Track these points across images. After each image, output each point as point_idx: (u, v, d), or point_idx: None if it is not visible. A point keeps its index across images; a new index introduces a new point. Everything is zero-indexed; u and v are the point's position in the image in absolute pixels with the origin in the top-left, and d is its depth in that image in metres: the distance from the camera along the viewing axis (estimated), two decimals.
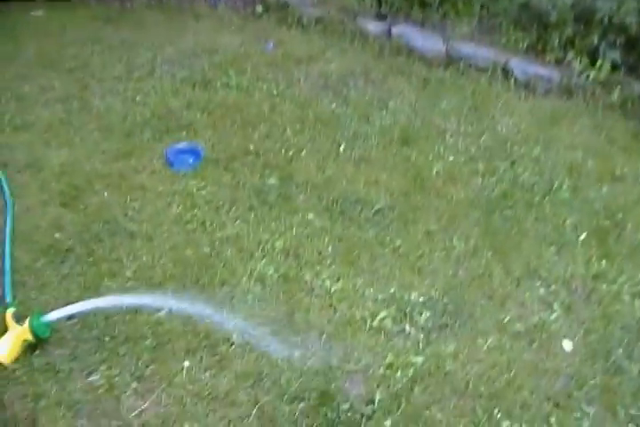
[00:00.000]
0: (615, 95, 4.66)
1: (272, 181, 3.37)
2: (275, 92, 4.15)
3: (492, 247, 3.13)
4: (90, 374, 2.31)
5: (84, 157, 3.38)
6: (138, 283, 2.67)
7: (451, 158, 3.77)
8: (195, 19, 5.13)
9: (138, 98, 3.92)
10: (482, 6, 5.12)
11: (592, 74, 4.74)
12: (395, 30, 4.98)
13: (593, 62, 4.77)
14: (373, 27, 5.03)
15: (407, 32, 4.98)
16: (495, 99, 4.54)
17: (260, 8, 5.53)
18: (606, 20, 4.68)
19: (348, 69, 4.57)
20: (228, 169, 3.42)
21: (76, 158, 3.36)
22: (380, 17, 5.17)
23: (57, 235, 2.87)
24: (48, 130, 3.60)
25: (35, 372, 2.27)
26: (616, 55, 4.73)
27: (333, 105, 4.10)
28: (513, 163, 3.81)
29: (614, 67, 4.74)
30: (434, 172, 3.64)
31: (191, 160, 3.42)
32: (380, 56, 4.80)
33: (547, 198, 3.53)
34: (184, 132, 3.64)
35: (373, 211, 3.27)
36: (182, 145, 3.49)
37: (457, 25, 5.09)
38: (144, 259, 2.79)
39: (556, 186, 3.64)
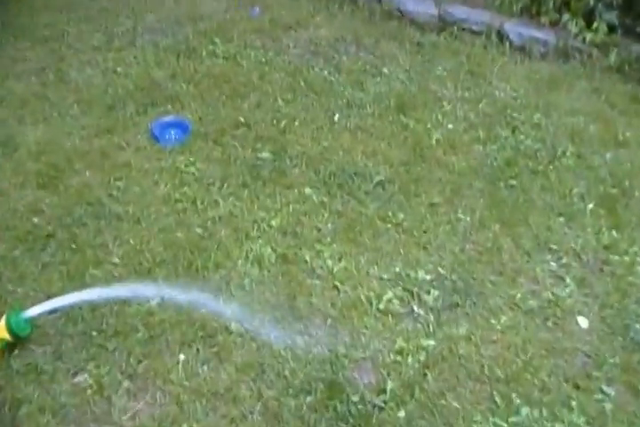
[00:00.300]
0: (612, 58, 4.35)
1: (265, 154, 3.06)
2: (263, 59, 3.79)
3: (499, 219, 2.86)
4: (76, 373, 2.03)
5: (63, 133, 3.04)
6: (126, 270, 2.38)
7: (450, 126, 3.46)
8: None
9: (119, 69, 3.55)
10: None
11: (588, 36, 4.41)
12: None
13: (589, 24, 4.44)
14: None
15: None
16: (491, 63, 4.21)
17: None
18: None
19: (338, 35, 4.21)
20: (218, 143, 3.09)
21: (54, 135, 3.02)
22: None
23: (35, 220, 2.56)
24: (22, 105, 3.24)
25: (14, 375, 1.99)
26: (612, 16, 4.40)
27: (325, 72, 3.76)
28: (514, 130, 3.51)
29: (611, 28, 4.41)
30: (433, 140, 3.34)
31: (178, 135, 3.08)
32: (371, 21, 4.44)
33: (551, 166, 3.25)
34: (169, 105, 3.30)
35: (373, 184, 2.98)
36: (168, 119, 3.15)
37: None
38: (132, 243, 2.49)
39: (559, 153, 3.35)
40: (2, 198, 2.65)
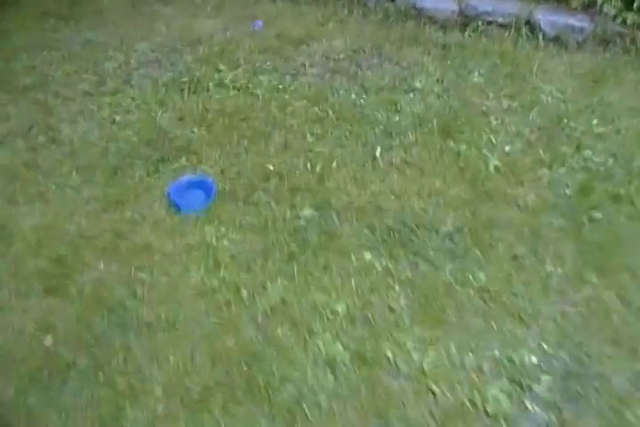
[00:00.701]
0: None
1: (307, 211, 2.46)
2: (280, 86, 3.15)
3: (594, 267, 2.29)
4: None
5: (64, 212, 2.40)
6: (172, 403, 1.80)
7: (506, 148, 2.87)
8: (162, 1, 3.99)
9: (117, 118, 2.89)
10: None
11: (629, 17, 3.77)
12: None
13: (628, 3, 3.79)
14: None
15: None
16: (527, 61, 3.59)
17: None
18: None
19: (355, 45, 3.56)
20: (250, 202, 2.49)
21: (55, 217, 2.39)
22: None
23: (47, 342, 1.95)
24: (11, 179, 2.57)
25: None
26: None
27: (352, 94, 3.13)
28: (577, 144, 2.92)
29: None
30: (492, 168, 2.75)
31: (201, 198, 2.47)
32: (387, 24, 3.78)
33: (632, 186, 2.67)
34: (184, 158, 2.66)
35: (440, 236, 2.40)
36: (186, 179, 2.53)
37: None
38: (172, 362, 1.90)
39: (635, 168, 2.77)
40: (3, 315, 2.03)
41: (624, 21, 3.78)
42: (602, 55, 3.70)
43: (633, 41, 3.75)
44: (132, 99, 3.02)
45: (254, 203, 2.47)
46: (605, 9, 3.81)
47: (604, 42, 3.79)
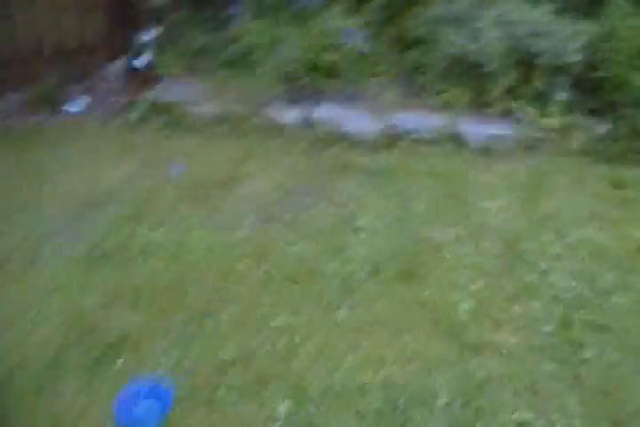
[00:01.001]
0: (575, 141, 3.94)
1: (283, 407, 2.18)
2: (216, 247, 2.91)
3: (609, 420, 2.18)
4: None
5: None
6: None
7: (472, 287, 2.77)
8: (54, 149, 3.69)
9: (30, 315, 2.52)
10: (400, 64, 4.19)
11: (545, 122, 3.98)
12: (317, 115, 3.92)
13: (543, 110, 4.01)
14: (290, 116, 3.93)
15: (331, 115, 3.93)
16: (462, 179, 3.63)
17: (133, 115, 4.24)
18: (547, 62, 3.90)
19: (283, 185, 3.43)
20: (214, 404, 2.17)
21: None
22: (293, 101, 4.06)
23: None
24: None
25: None
26: (564, 97, 4.00)
27: (295, 247, 2.96)
28: (539, 271, 2.89)
29: (566, 110, 4.00)
30: (464, 314, 2.64)
31: (156, 411, 2.13)
32: (312, 153, 3.72)
33: (606, 312, 2.65)
34: (123, 357, 2.32)
35: (436, 413, 2.20)
36: (133, 390, 2.18)
37: (380, 93, 4.11)
38: None
39: (604, 289, 2.79)
40: None
41: (541, 126, 3.96)
42: (530, 161, 3.83)
43: (552, 143, 3.92)
44: (53, 281, 2.66)
45: (220, 404, 2.16)
46: (522, 116, 3.99)
47: (529, 148, 3.93)
